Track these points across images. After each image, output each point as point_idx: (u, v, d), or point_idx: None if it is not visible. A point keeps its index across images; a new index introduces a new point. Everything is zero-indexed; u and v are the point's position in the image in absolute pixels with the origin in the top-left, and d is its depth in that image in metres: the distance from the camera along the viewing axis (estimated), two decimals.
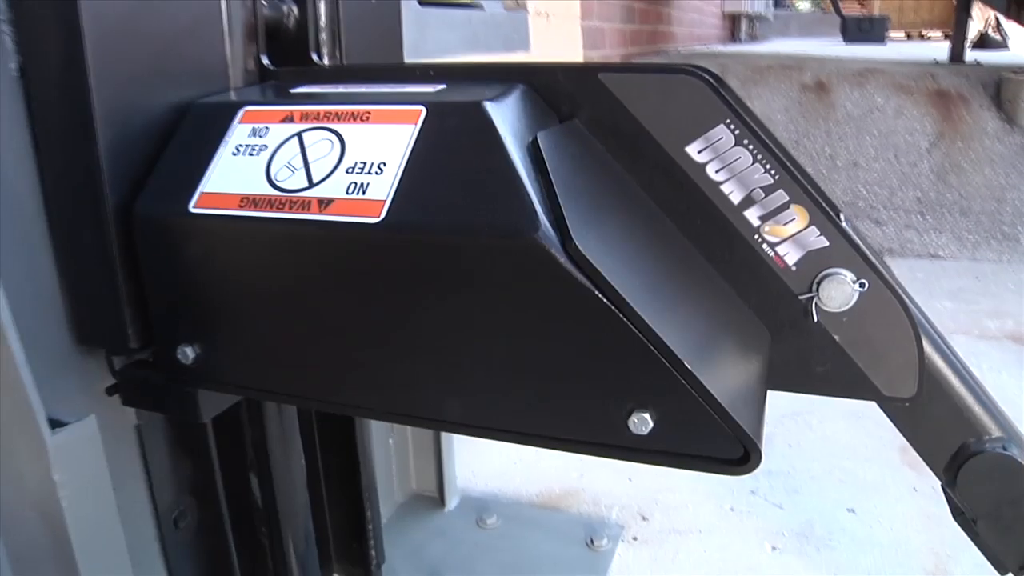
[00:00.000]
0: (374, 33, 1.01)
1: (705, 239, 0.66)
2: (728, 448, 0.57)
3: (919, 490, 1.49)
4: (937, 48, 5.11)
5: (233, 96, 0.76)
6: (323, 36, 0.91)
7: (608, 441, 0.58)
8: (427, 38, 1.51)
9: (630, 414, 0.57)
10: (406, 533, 1.39)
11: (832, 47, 6.12)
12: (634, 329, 0.54)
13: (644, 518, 1.44)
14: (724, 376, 0.58)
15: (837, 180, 3.33)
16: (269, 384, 0.69)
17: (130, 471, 0.84)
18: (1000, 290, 2.53)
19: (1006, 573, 0.75)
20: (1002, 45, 6.27)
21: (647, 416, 0.56)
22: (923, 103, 3.37)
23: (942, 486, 0.74)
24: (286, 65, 0.85)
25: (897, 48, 6.20)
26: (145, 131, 0.70)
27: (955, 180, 3.14)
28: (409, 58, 1.14)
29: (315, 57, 0.89)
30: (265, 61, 0.83)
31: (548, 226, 0.55)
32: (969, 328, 2.22)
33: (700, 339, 0.59)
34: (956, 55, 4.25)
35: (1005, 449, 0.70)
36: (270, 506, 0.98)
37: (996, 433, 0.71)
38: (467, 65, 0.75)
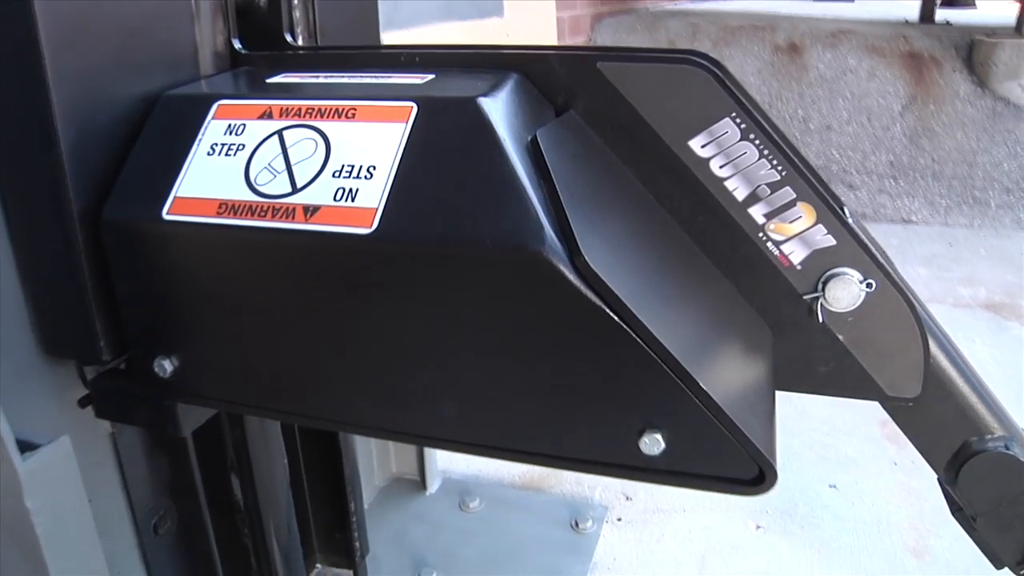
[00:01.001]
0: (349, 9, 0.95)
1: (707, 236, 0.64)
2: (742, 468, 0.54)
3: (899, 464, 1.50)
4: (906, 6, 5.08)
5: (205, 87, 0.71)
6: (296, 14, 0.86)
7: (618, 461, 0.56)
8: (400, 8, 1.45)
9: (641, 434, 0.54)
10: (388, 519, 1.37)
11: (802, 5, 6.07)
12: (647, 348, 0.51)
13: (628, 498, 1.44)
14: (737, 394, 0.56)
15: (810, 143, 3.32)
16: (254, 399, 0.65)
17: (106, 480, 0.80)
18: (972, 256, 2.56)
19: (1002, 568, 0.75)
20: (970, 4, 6.27)
21: (659, 437, 0.54)
22: (896, 65, 3.36)
23: (939, 481, 0.74)
24: (258, 46, 0.79)
25: (866, 6, 6.17)
26: (110, 127, 0.65)
27: (927, 144, 3.14)
28: (384, 30, 1.08)
29: (289, 37, 0.84)
30: (237, 45, 0.78)
31: (554, 238, 0.51)
32: (943, 296, 2.23)
33: (711, 355, 0.57)
34: (926, 15, 4.23)
35: (1007, 448, 0.69)
36: (252, 506, 0.96)
37: (998, 432, 0.70)
38: (455, 51, 0.70)
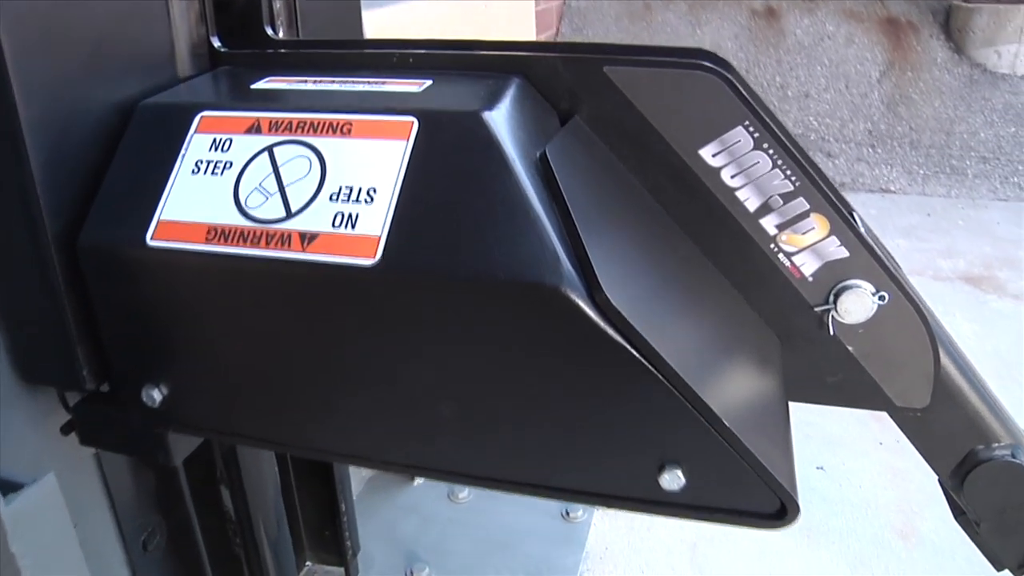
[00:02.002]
0: None
1: (717, 247, 0.62)
2: (764, 502, 0.53)
3: (884, 443, 1.51)
4: None
5: (185, 94, 0.66)
6: (277, 5, 0.81)
7: (637, 496, 0.54)
8: None
9: (661, 470, 0.52)
10: (377, 511, 1.35)
11: None
12: (669, 385, 0.49)
13: None
14: (756, 425, 0.54)
15: (788, 111, 3.31)
16: (250, 429, 0.62)
17: (92, 501, 0.77)
18: (950, 227, 2.57)
19: (1002, 570, 0.75)
20: None
21: (679, 473, 0.52)
22: (873, 31, 3.34)
23: (940, 484, 0.73)
24: (239, 42, 0.74)
25: None
26: (85, 141, 0.61)
27: (905, 112, 3.14)
28: (365, 9, 1.03)
29: (270, 31, 0.79)
30: (216, 43, 0.73)
31: (571, 271, 0.49)
32: (923, 268, 2.25)
33: (729, 384, 0.55)
34: None
35: (1014, 457, 0.69)
36: (243, 514, 0.93)
37: (1005, 440, 0.69)
38: (452, 50, 0.66)
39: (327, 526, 1.16)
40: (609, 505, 0.56)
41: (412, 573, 1.22)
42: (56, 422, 0.69)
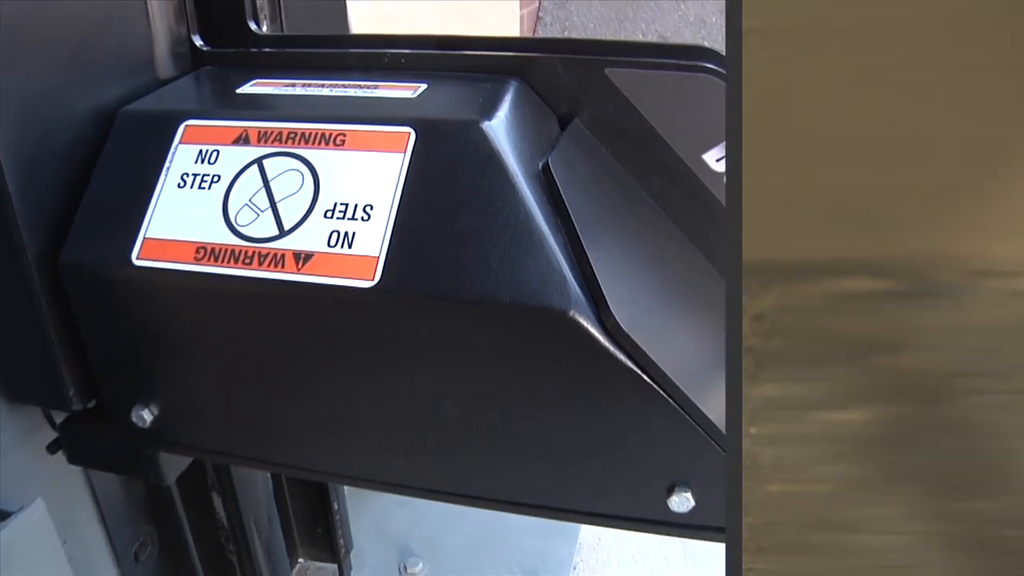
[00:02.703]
0: None
1: (721, 254, 0.60)
2: None
3: None
4: None
5: (167, 100, 0.63)
6: None
7: (646, 517, 0.53)
8: None
9: (670, 492, 0.51)
10: (368, 507, 1.34)
11: None
12: (679, 408, 0.48)
13: None
14: None
15: None
16: (243, 450, 0.61)
17: (81, 516, 0.75)
18: None
19: None
20: None
21: (688, 496, 0.51)
22: None
23: None
24: (221, 38, 0.71)
25: None
26: (62, 153, 0.58)
27: None
28: None
29: (254, 26, 0.76)
30: (198, 42, 0.70)
31: (579, 294, 0.47)
32: None
33: None
34: None
35: None
36: (236, 522, 0.91)
37: None
38: (445, 50, 0.64)
39: (319, 523, 1.15)
40: (616, 527, 0.55)
41: (406, 568, 1.22)
42: (42, 440, 0.67)
